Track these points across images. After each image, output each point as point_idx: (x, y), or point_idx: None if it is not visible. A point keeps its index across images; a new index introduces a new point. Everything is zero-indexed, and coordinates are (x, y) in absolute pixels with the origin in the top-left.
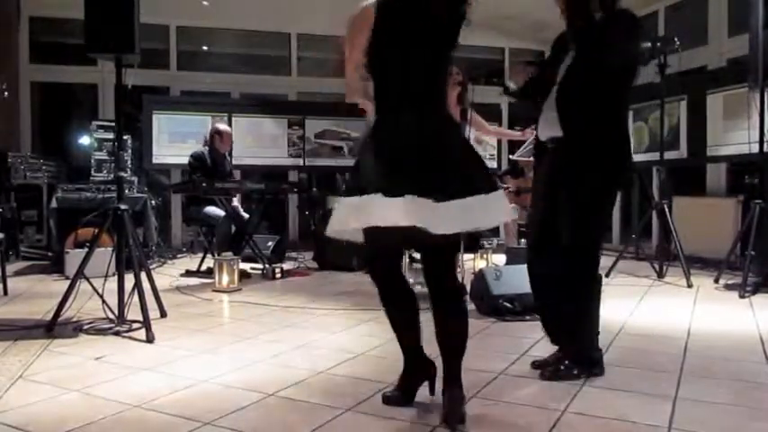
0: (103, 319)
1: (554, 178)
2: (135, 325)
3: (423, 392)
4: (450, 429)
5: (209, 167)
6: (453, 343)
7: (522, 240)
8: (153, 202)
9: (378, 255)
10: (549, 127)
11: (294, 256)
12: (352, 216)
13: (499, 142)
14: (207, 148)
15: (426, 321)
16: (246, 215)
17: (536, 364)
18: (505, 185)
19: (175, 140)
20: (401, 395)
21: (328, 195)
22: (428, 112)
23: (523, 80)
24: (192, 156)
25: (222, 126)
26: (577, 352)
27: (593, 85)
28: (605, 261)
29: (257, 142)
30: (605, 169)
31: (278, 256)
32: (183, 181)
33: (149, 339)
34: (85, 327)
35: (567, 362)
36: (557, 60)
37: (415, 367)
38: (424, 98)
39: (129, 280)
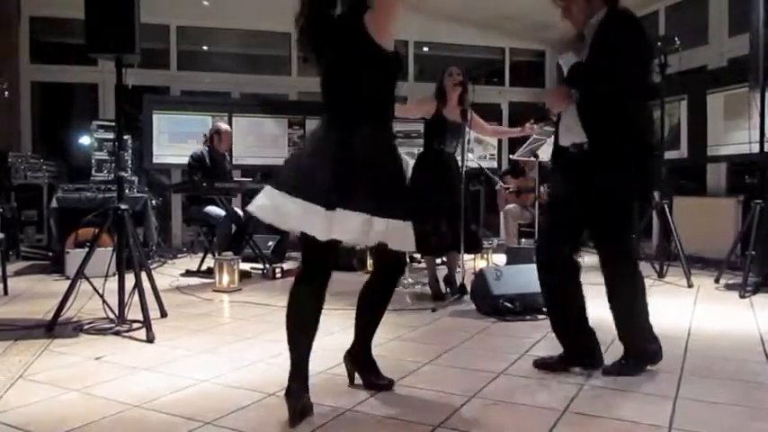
0: (104, 318)
1: (582, 185)
2: (135, 325)
3: (423, 393)
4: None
5: (209, 167)
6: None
7: (523, 240)
8: (153, 201)
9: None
10: (570, 133)
11: (294, 255)
12: (304, 220)
13: (499, 142)
14: (206, 147)
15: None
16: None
17: (537, 363)
18: (506, 185)
19: (176, 140)
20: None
21: None
22: (381, 127)
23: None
24: (191, 156)
25: (223, 125)
26: (635, 347)
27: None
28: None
29: (258, 142)
30: (641, 174)
31: (278, 256)
32: (184, 181)
33: (150, 339)
34: (86, 327)
35: (629, 360)
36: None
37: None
38: (379, 114)
39: (130, 280)
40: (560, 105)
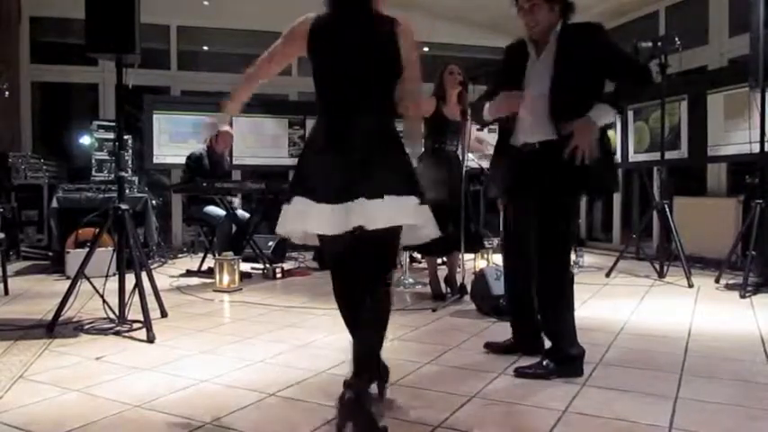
0: (104, 318)
1: (541, 182)
2: (135, 325)
3: (423, 393)
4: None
5: (206, 168)
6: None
7: None
8: (153, 201)
9: (343, 255)
10: (531, 132)
11: (294, 255)
12: (338, 222)
13: None
14: (205, 147)
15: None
16: (247, 214)
17: (491, 346)
18: None
19: (176, 140)
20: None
21: None
22: (376, 117)
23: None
24: (188, 157)
25: (222, 126)
26: (560, 351)
27: (583, 91)
28: (606, 260)
29: (258, 142)
30: (601, 172)
31: (278, 256)
32: (184, 181)
33: (150, 339)
34: (86, 327)
35: (547, 362)
36: (517, 68)
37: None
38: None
39: (130, 280)
40: (589, 140)
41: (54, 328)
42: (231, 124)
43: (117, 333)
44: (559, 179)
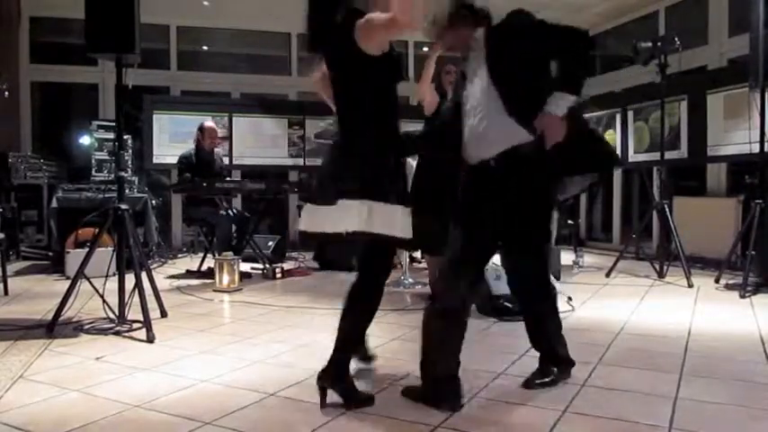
0: (104, 318)
1: (504, 195)
2: (135, 325)
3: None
4: None
5: (195, 167)
6: None
7: None
8: (153, 201)
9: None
10: (489, 146)
11: (294, 255)
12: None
13: None
14: (195, 146)
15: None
16: (247, 214)
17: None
18: None
19: (176, 140)
20: None
21: None
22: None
23: None
24: (178, 159)
25: (206, 123)
26: (556, 353)
27: (533, 81)
28: (606, 260)
29: (257, 142)
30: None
31: (278, 256)
32: (183, 180)
33: (150, 339)
34: (86, 327)
35: (551, 367)
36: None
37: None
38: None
39: (130, 280)
40: (560, 132)
41: (54, 328)
42: (231, 124)
43: (117, 333)
44: (526, 187)
